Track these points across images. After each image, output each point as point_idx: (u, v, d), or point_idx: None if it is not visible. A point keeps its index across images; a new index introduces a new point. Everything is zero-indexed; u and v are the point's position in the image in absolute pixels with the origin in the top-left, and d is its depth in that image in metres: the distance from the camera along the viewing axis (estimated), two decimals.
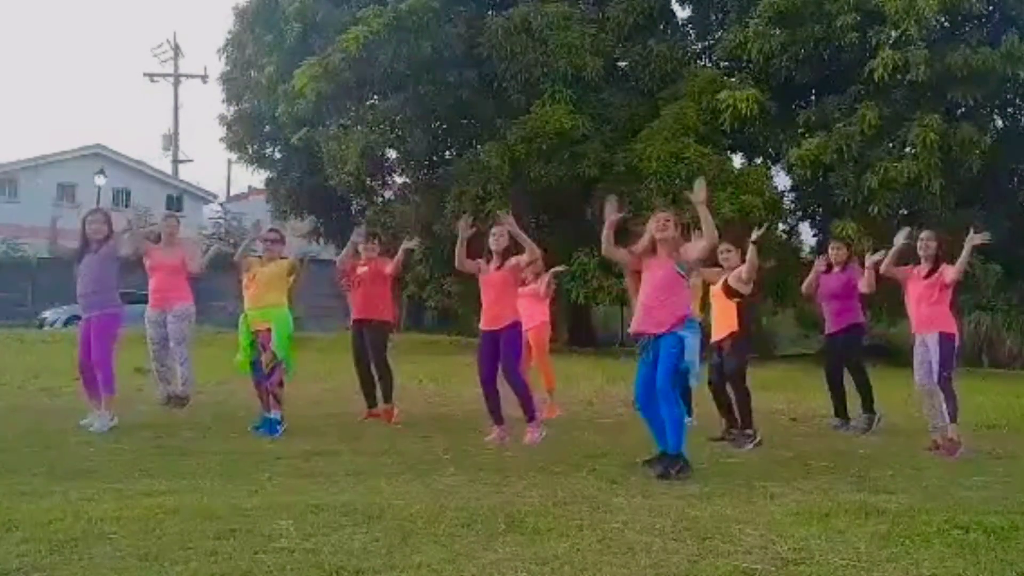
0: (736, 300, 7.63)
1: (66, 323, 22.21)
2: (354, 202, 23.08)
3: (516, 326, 7.37)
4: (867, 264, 8.23)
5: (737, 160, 20.97)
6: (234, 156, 25.04)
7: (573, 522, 4.50)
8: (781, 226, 20.61)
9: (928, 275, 7.43)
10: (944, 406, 7.26)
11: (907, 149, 17.65)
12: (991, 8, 19.04)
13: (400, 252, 8.73)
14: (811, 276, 8.92)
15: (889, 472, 6.25)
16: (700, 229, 5.99)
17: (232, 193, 43.85)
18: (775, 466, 6.48)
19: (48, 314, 24.50)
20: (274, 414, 7.55)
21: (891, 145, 17.81)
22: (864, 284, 8.28)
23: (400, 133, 20.98)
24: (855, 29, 17.63)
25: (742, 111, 17.59)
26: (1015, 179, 21.08)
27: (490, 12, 20.22)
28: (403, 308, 24.64)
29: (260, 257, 8.04)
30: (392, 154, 22.20)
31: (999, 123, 20.45)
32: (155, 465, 5.92)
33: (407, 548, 3.99)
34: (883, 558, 4.03)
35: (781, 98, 19.06)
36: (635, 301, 6.37)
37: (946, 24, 18.62)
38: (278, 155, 23.72)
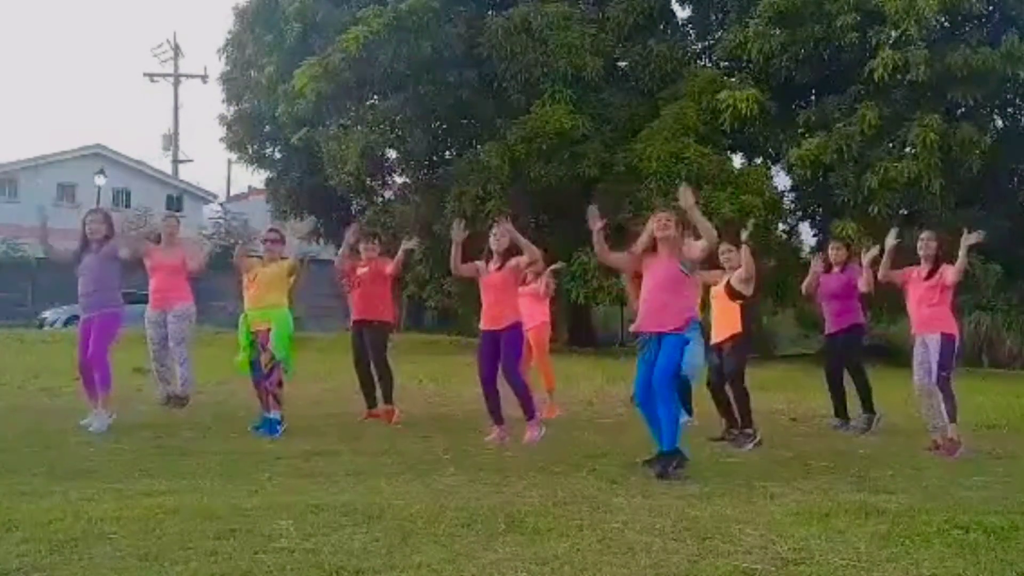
0: (739, 302, 7.64)
1: (66, 323, 22.22)
2: (354, 202, 23.09)
3: (517, 326, 7.36)
4: (863, 262, 8.23)
5: (737, 160, 20.98)
6: (234, 156, 25.11)
7: (573, 522, 4.50)
8: (781, 226, 20.63)
9: (929, 276, 7.43)
10: (943, 406, 7.26)
11: (907, 149, 17.66)
12: (991, 8, 19.04)
13: (400, 252, 8.72)
14: (810, 276, 8.91)
15: (889, 472, 6.24)
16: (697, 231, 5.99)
17: (232, 193, 43.85)
18: (775, 466, 6.48)
19: (48, 314, 24.52)
20: (274, 414, 7.55)
21: (891, 145, 17.82)
22: (863, 283, 8.27)
23: (400, 133, 20.99)
24: (855, 29, 17.64)
25: (742, 111, 17.60)
26: (1015, 179, 21.09)
27: (490, 12, 20.23)
28: (403, 308, 24.64)
29: (260, 258, 8.04)
30: (392, 154, 22.21)
31: (999, 123, 20.47)
32: (155, 465, 5.92)
33: (407, 548, 3.99)
34: (883, 558, 4.03)
35: (781, 98, 19.06)
36: (635, 303, 6.35)
37: (946, 24, 18.63)
38: (278, 155, 23.73)
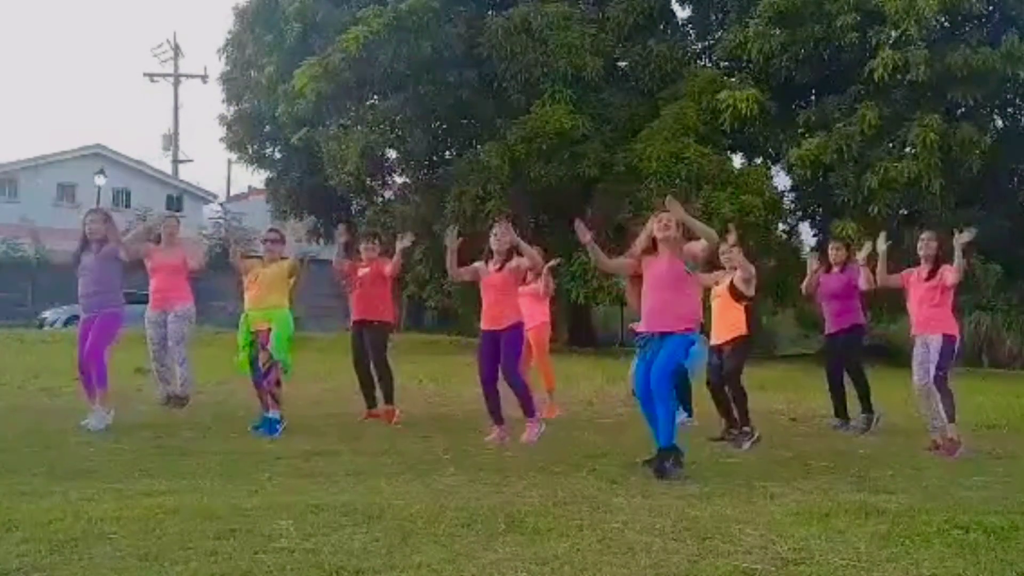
0: (743, 303, 7.64)
1: (66, 323, 22.21)
2: (354, 202, 23.10)
3: (518, 327, 7.35)
4: (859, 261, 8.22)
5: (737, 160, 20.99)
6: (234, 156, 25.11)
7: (573, 522, 4.50)
8: (781, 226, 20.64)
9: (929, 276, 7.42)
10: (941, 406, 7.26)
11: (907, 149, 17.66)
12: (991, 8, 19.05)
13: (397, 252, 8.67)
14: (809, 276, 8.91)
15: (889, 472, 6.24)
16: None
17: (232, 193, 43.84)
18: (775, 466, 6.48)
19: (48, 314, 24.51)
20: (273, 414, 7.55)
21: (891, 145, 17.82)
22: (863, 281, 8.27)
23: (400, 133, 20.99)
24: (855, 29, 17.64)
25: (742, 111, 17.59)
26: (1015, 179, 21.09)
27: (490, 12, 20.23)
28: (403, 308, 24.64)
29: (261, 258, 8.04)
30: (392, 154, 22.22)
31: (999, 123, 20.47)
32: (155, 465, 5.92)
33: (407, 548, 3.99)
34: (883, 558, 4.03)
35: (781, 98, 19.07)
36: (635, 306, 6.32)
37: (946, 24, 18.64)
38: (278, 155, 23.74)
